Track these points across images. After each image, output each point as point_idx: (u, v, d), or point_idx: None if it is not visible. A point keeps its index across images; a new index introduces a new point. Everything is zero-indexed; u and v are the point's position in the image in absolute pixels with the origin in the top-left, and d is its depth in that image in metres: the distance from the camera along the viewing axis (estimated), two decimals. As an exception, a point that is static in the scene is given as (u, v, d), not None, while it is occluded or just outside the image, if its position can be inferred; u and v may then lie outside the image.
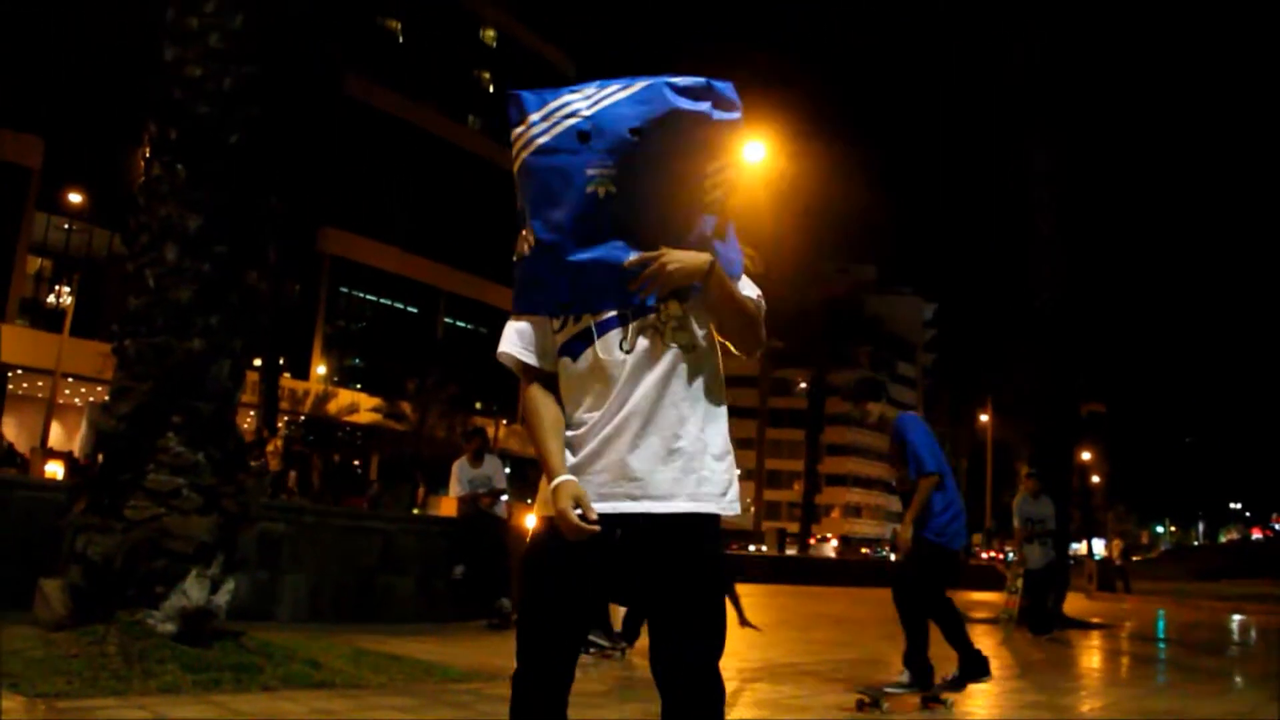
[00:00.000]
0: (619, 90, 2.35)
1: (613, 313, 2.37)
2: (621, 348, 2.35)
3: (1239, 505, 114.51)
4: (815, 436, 46.90)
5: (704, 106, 2.32)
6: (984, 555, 48.80)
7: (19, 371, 35.57)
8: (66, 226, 37.90)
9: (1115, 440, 72.30)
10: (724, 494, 2.38)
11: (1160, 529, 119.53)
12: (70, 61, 34.25)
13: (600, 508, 2.29)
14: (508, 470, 11.09)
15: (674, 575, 2.31)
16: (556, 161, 2.34)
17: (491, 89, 57.77)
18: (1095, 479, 61.12)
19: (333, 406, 44.08)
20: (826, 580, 30.16)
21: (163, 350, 5.98)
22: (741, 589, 8.22)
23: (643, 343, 2.35)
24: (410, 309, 52.14)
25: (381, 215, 48.58)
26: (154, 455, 5.84)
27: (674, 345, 2.37)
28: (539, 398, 2.43)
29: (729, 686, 6.71)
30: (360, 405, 44.93)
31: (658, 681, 2.31)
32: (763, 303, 2.50)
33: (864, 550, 73.22)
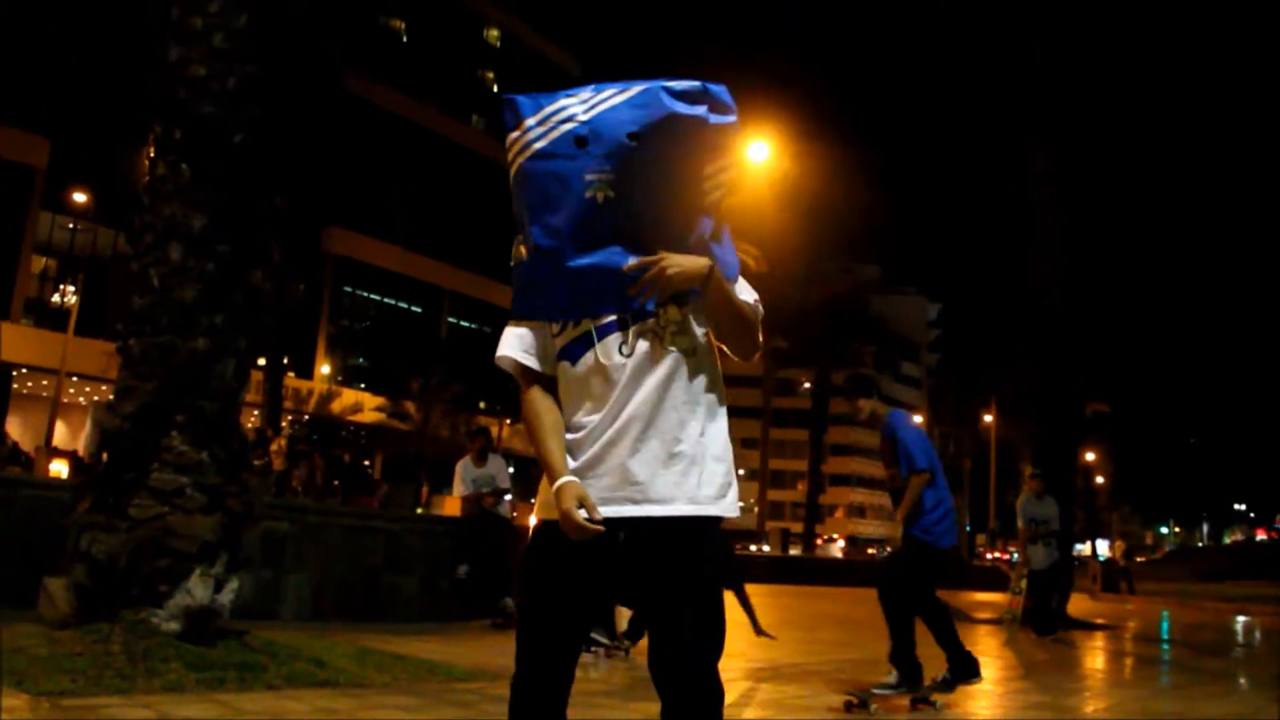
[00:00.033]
0: (615, 95, 2.34)
1: (612, 317, 2.36)
2: (621, 352, 2.35)
3: (1243, 506, 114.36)
4: (819, 436, 46.92)
5: (700, 110, 2.32)
6: (989, 556, 48.77)
7: (24, 370, 35.64)
8: (71, 226, 37.96)
9: (1119, 441, 72.35)
10: (724, 497, 2.39)
11: (1164, 530, 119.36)
12: (75, 61, 34.32)
13: (603, 511, 2.29)
14: (511, 470, 11.10)
15: (674, 577, 2.31)
16: (554, 167, 2.34)
17: (495, 88, 57.82)
18: (1099, 480, 61.15)
19: (337, 406, 44.10)
20: (831, 580, 30.15)
21: (167, 349, 5.99)
22: (747, 589, 8.20)
23: (643, 346, 2.35)
24: (414, 308, 52.20)
25: (385, 215, 48.64)
26: (158, 454, 5.85)
27: (674, 349, 2.37)
28: (539, 400, 2.43)
29: (734, 687, 6.72)
30: (364, 405, 44.97)
31: (656, 683, 2.31)
32: (760, 307, 2.50)
33: (870, 550, 73.19)
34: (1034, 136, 17.26)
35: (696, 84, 2.34)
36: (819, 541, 53.69)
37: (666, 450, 2.33)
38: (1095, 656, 11.76)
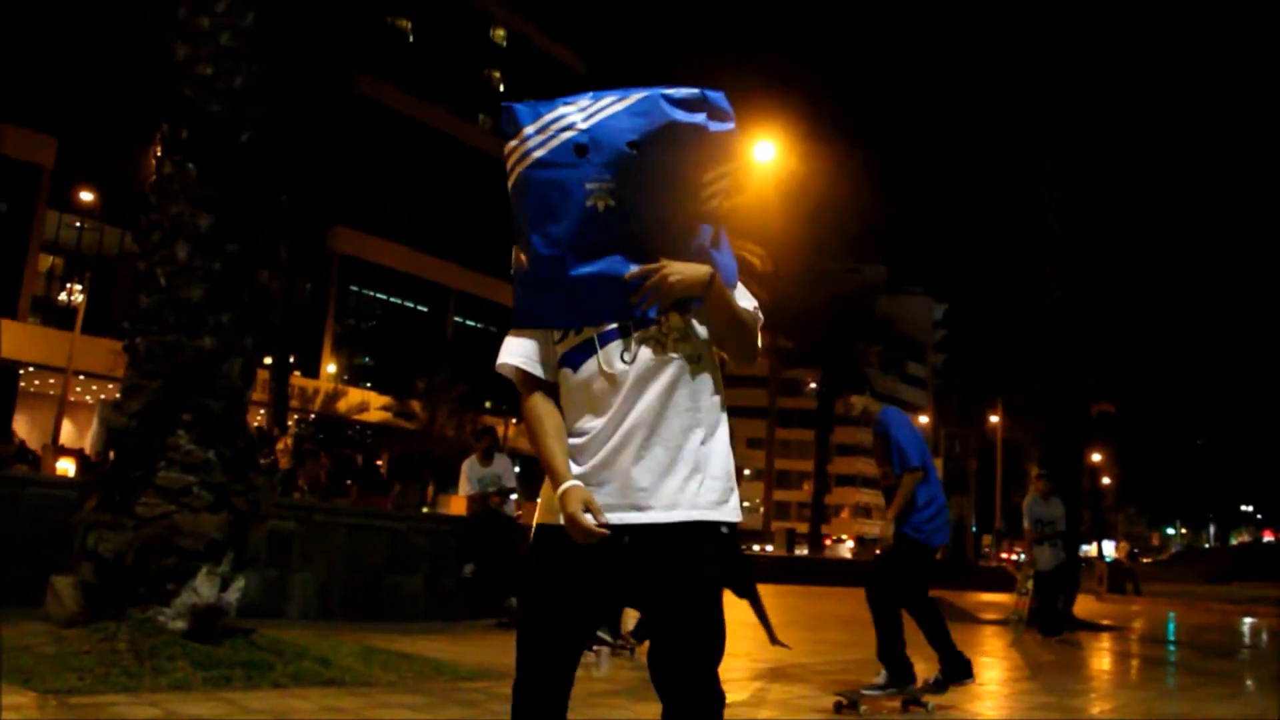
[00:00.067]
0: (614, 103, 2.34)
1: (614, 324, 2.37)
2: (623, 359, 2.36)
3: (1250, 508, 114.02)
4: (825, 437, 46.85)
5: (700, 118, 2.32)
6: (1003, 556, 48.66)
7: (31, 369, 35.73)
8: (78, 225, 38.05)
9: (1126, 441, 72.13)
10: (725, 502, 2.40)
11: (1171, 531, 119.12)
12: (82, 60, 34.38)
13: (607, 518, 2.30)
14: (517, 469, 11.11)
15: (674, 580, 2.32)
16: (555, 175, 2.34)
17: (501, 88, 57.87)
18: (1106, 480, 61.01)
19: (343, 405, 44.15)
20: (836, 580, 30.12)
21: (174, 348, 6.01)
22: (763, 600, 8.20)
23: (645, 353, 2.36)
24: (420, 308, 52.25)
25: (391, 214, 48.69)
26: (165, 453, 5.86)
27: (676, 356, 2.37)
28: (541, 405, 2.43)
29: (741, 687, 6.72)
30: (370, 404, 45.02)
31: (657, 685, 2.32)
32: (759, 313, 2.50)
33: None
34: (1038, 136, 17.23)
35: (695, 91, 2.34)
36: (828, 542, 53.62)
37: (670, 457, 2.34)
38: (1101, 658, 11.75)
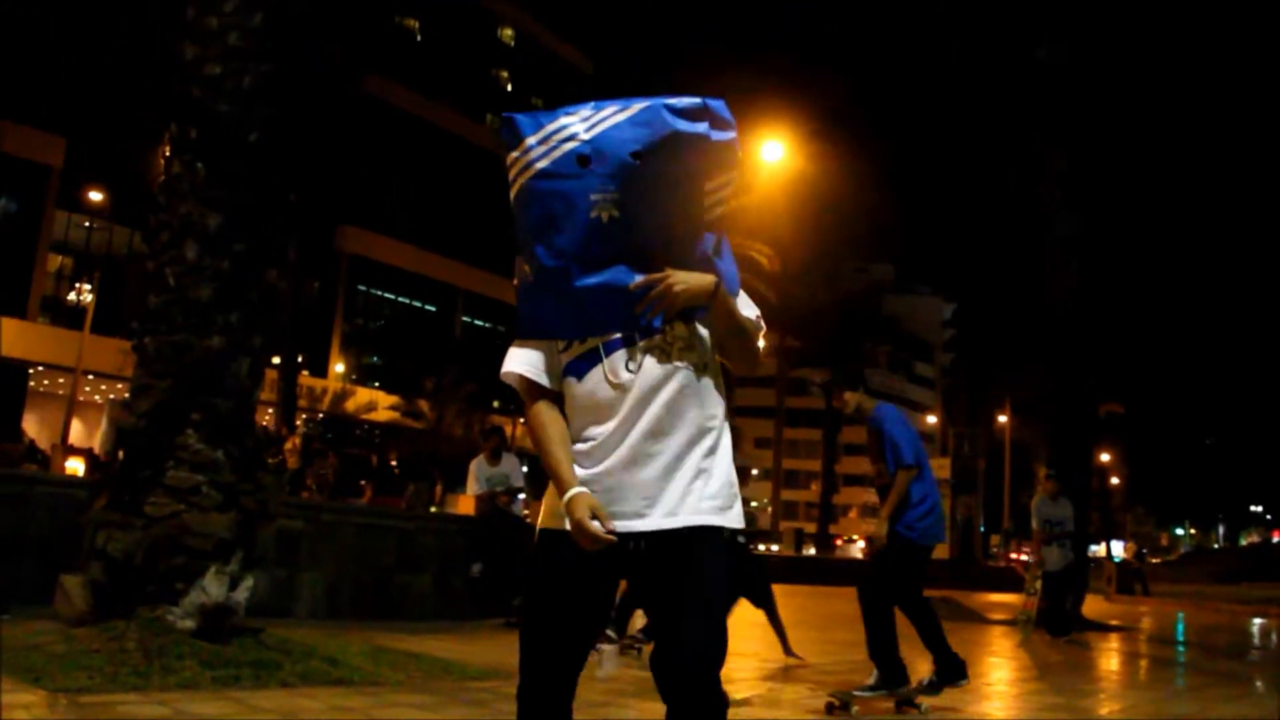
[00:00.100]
0: (617, 113, 2.34)
1: (619, 334, 2.37)
2: (628, 368, 2.36)
3: (1260, 508, 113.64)
4: (833, 436, 46.78)
5: (702, 128, 2.32)
6: (1012, 556, 48.54)
7: (40, 368, 35.82)
8: (87, 224, 38.12)
9: (1134, 441, 71.95)
10: (729, 509, 2.40)
11: (1180, 531, 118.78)
12: (90, 60, 34.45)
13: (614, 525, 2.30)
14: (525, 469, 11.12)
15: (677, 584, 2.32)
16: (558, 186, 2.33)
17: (509, 88, 57.88)
18: (1114, 480, 60.86)
19: (351, 404, 44.20)
20: (844, 580, 30.07)
21: (182, 348, 6.02)
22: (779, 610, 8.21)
23: (650, 363, 2.36)
24: (428, 307, 52.27)
25: (400, 214, 48.69)
26: (174, 452, 5.87)
27: (681, 365, 2.38)
28: (545, 412, 2.44)
29: (747, 687, 6.72)
30: (378, 403, 45.04)
31: (660, 688, 2.32)
32: (761, 322, 2.51)
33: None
34: (1046, 136, 17.21)
35: (697, 101, 2.34)
36: (839, 542, 53.52)
37: (674, 465, 2.35)
38: (1110, 658, 11.72)
